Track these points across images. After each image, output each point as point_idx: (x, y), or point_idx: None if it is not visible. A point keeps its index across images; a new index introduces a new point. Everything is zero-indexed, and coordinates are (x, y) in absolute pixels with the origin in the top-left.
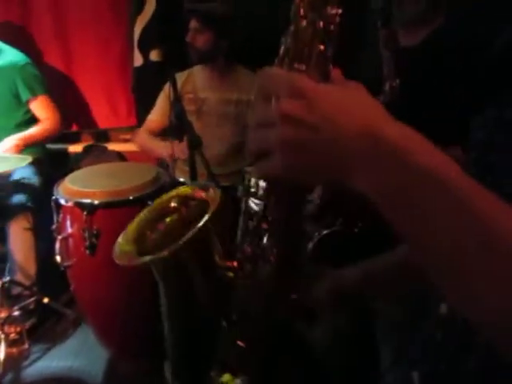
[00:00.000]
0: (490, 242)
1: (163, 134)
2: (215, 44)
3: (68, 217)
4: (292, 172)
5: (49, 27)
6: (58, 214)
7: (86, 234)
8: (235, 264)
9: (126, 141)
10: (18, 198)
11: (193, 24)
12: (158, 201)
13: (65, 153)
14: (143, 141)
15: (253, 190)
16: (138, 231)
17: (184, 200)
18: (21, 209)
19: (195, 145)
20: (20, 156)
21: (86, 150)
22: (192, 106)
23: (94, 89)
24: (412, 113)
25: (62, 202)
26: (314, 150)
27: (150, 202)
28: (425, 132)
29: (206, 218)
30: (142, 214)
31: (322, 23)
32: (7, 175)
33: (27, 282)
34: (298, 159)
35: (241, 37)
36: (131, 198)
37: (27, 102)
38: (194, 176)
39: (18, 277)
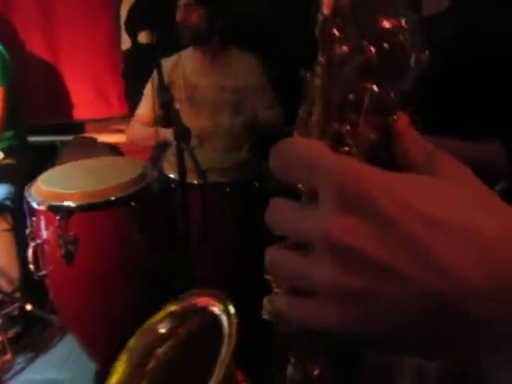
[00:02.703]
0: None
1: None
2: (209, 22)
3: (42, 221)
4: (353, 329)
5: (32, 13)
6: (32, 217)
7: (61, 241)
8: None
9: (118, 131)
10: None
11: (183, 0)
12: (139, 332)
13: (54, 145)
14: (137, 132)
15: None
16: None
17: (177, 319)
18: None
19: (183, 136)
20: None
21: (75, 142)
22: (182, 93)
23: (81, 76)
24: (445, 97)
25: (34, 205)
26: (387, 305)
27: (133, 204)
28: (458, 122)
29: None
30: (122, 361)
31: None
32: None
33: (10, 288)
34: (361, 316)
35: (236, 17)
36: (113, 198)
37: None
38: (182, 171)
39: (1, 282)
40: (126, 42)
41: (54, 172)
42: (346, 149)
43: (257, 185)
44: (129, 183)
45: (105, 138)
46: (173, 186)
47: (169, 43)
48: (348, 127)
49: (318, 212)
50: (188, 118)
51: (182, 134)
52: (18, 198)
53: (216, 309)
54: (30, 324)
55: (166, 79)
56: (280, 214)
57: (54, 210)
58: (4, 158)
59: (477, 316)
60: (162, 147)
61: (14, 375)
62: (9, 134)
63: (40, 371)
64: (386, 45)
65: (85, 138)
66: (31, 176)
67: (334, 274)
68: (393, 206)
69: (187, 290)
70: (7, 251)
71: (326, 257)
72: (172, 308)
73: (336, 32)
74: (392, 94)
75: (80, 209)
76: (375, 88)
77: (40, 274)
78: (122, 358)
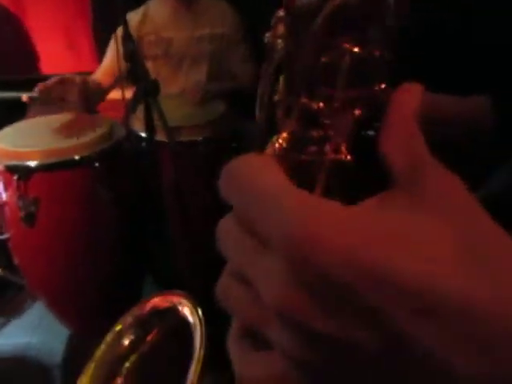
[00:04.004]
0: None
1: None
2: None
3: (1, 182)
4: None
5: None
6: None
7: (21, 203)
8: None
9: None
10: None
11: None
12: (105, 343)
13: (21, 102)
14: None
15: None
16: None
17: (143, 324)
18: None
19: (150, 91)
20: None
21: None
22: (156, 50)
23: (49, 28)
24: (427, 49)
25: None
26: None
27: (97, 164)
28: (441, 77)
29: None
30: (88, 374)
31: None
32: None
33: None
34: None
35: None
36: (77, 158)
37: None
38: (150, 128)
39: None
40: None
41: (12, 129)
42: (314, 148)
43: (235, 146)
44: (94, 141)
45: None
46: (144, 144)
47: None
48: (321, 104)
49: (268, 265)
50: (164, 76)
51: (149, 88)
52: None
53: (182, 309)
54: (1, 289)
55: (135, 35)
56: (229, 242)
57: (11, 170)
58: None
59: None
60: (135, 103)
61: None
62: None
63: (12, 335)
64: None
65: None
66: None
67: (291, 342)
68: (350, 274)
69: (159, 251)
70: None
71: (279, 321)
72: (137, 312)
73: None
74: (377, 54)
75: (40, 169)
76: (355, 48)
77: (1, 237)
78: (88, 370)
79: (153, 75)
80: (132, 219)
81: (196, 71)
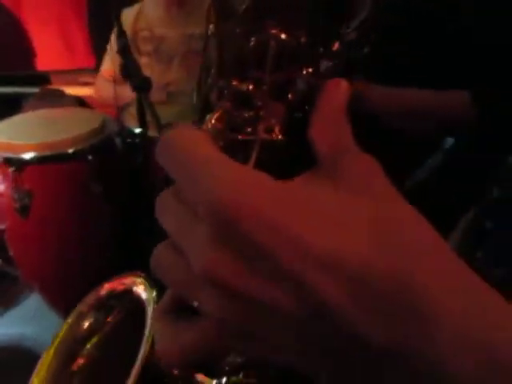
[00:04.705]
0: None
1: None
2: None
3: None
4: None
5: None
6: None
7: (16, 195)
8: None
9: (85, 84)
10: None
11: None
12: (65, 327)
13: (19, 97)
14: (101, 89)
15: None
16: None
17: (101, 307)
18: None
19: (142, 87)
20: None
21: (40, 94)
22: (149, 46)
23: (44, 24)
24: (409, 41)
25: None
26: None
27: (90, 157)
28: (423, 71)
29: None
30: (48, 357)
31: None
32: None
33: None
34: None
35: None
36: (70, 151)
37: None
38: (142, 124)
39: None
40: None
41: (8, 123)
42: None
43: None
44: (87, 135)
45: (72, 90)
46: (136, 140)
47: None
48: (251, 86)
49: (197, 233)
50: (155, 73)
51: (141, 84)
52: None
53: (137, 289)
54: None
55: (129, 31)
56: (165, 214)
57: (7, 162)
58: None
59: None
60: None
61: None
62: None
63: (8, 326)
64: None
65: (52, 89)
66: None
67: (216, 304)
68: (279, 241)
69: (151, 246)
70: None
71: (205, 289)
72: (95, 296)
73: None
74: (303, 41)
75: (35, 161)
76: (281, 34)
77: None
78: (50, 351)
79: (146, 71)
80: (124, 214)
81: (187, 70)
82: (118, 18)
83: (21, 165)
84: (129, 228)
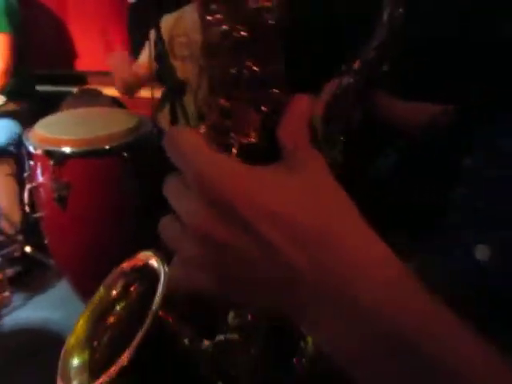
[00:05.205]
0: None
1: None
2: None
3: (38, 166)
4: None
5: None
6: (29, 161)
7: (55, 186)
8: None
9: None
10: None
11: None
12: (95, 298)
13: (59, 95)
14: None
15: None
16: (87, 330)
17: (128, 278)
18: (1, 153)
19: (175, 90)
20: None
21: (78, 93)
22: (185, 51)
23: (87, 28)
24: (419, 60)
25: (31, 149)
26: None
27: (125, 154)
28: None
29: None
30: (85, 316)
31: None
32: None
33: (12, 230)
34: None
35: None
36: (107, 147)
37: None
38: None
39: (3, 224)
40: None
41: (52, 118)
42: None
43: None
44: (123, 133)
45: (109, 91)
46: None
47: None
48: (234, 102)
49: (190, 201)
50: (190, 77)
51: (175, 88)
52: (21, 143)
53: (153, 263)
54: (29, 266)
55: (167, 35)
56: (170, 191)
57: (49, 154)
58: (7, 102)
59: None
60: (162, 102)
61: (11, 311)
62: (13, 80)
63: (36, 310)
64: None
65: (89, 89)
66: (34, 124)
67: (197, 253)
68: (244, 205)
69: None
70: (9, 195)
71: (193, 241)
72: (122, 268)
73: (209, 17)
74: (268, 70)
75: (74, 155)
76: (251, 65)
77: (35, 215)
78: (83, 316)
79: (181, 76)
80: (155, 211)
81: None
82: (157, 24)
83: (61, 158)
84: (157, 225)
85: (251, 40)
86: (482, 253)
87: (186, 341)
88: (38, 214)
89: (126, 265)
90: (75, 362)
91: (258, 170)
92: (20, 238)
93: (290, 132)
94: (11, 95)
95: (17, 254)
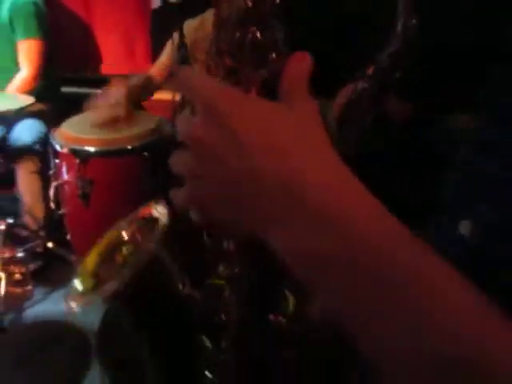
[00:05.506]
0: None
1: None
2: None
3: (64, 164)
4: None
5: None
6: (55, 159)
7: (79, 183)
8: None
9: None
10: (25, 141)
11: None
12: (108, 236)
13: (83, 97)
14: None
15: None
16: (95, 264)
17: (135, 226)
18: (27, 151)
19: None
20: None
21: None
22: (205, 55)
23: (111, 33)
24: (433, 68)
25: (57, 147)
26: (214, 188)
27: (146, 154)
28: (446, 96)
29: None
30: (97, 249)
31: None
32: (14, 117)
33: (35, 226)
34: (199, 196)
35: None
36: (129, 147)
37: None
38: None
39: (26, 220)
40: (155, 1)
41: (77, 118)
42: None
43: None
44: (144, 133)
45: None
46: None
47: (196, 4)
48: (237, 64)
49: (195, 120)
50: None
51: None
52: (46, 142)
53: (157, 210)
54: (50, 260)
55: (189, 39)
56: (181, 123)
57: (74, 153)
58: (35, 103)
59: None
60: (182, 104)
61: (33, 304)
62: (40, 82)
63: (56, 303)
64: None
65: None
66: (60, 124)
67: (189, 162)
68: (236, 121)
69: None
70: (33, 192)
71: (189, 150)
72: (132, 216)
73: None
74: (270, 38)
75: (97, 154)
76: (256, 32)
77: (60, 212)
78: (95, 250)
79: None
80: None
81: None
82: (180, 29)
83: (85, 156)
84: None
85: (255, 10)
86: (464, 228)
87: (180, 285)
88: (62, 211)
89: (133, 214)
90: (79, 287)
91: (256, 98)
92: (42, 233)
93: (290, 78)
94: (38, 96)
95: (39, 249)
